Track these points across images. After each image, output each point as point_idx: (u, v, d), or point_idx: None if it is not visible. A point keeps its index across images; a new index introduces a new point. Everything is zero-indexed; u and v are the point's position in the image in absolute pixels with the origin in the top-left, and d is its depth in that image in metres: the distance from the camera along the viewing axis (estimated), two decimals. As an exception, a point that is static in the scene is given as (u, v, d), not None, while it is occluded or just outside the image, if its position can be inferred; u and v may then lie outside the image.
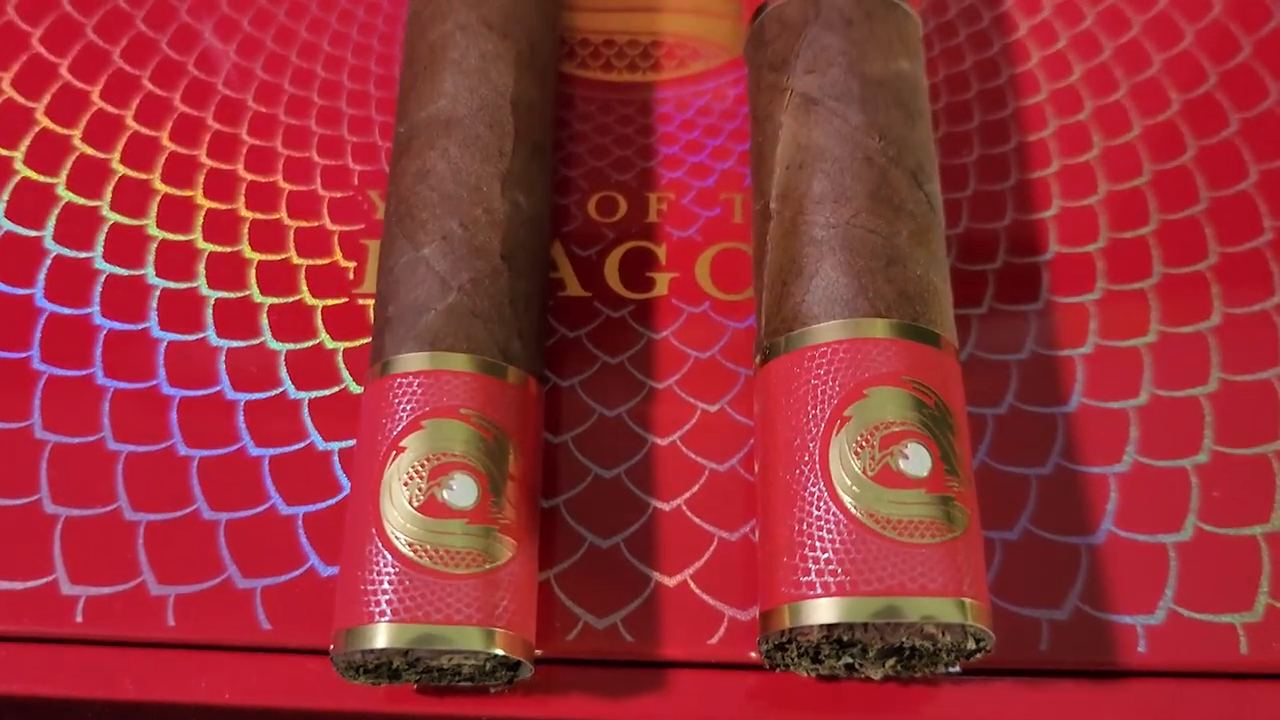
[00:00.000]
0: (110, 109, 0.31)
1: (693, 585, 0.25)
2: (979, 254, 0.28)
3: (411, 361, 0.23)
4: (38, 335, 0.28)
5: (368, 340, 0.28)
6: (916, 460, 0.22)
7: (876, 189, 0.24)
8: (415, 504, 0.22)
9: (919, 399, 0.22)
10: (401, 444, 0.23)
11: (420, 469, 0.22)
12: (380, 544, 0.22)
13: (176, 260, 0.29)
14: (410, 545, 0.22)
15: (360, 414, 0.24)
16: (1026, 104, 0.30)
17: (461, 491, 0.22)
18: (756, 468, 0.24)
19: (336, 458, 0.26)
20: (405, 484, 0.22)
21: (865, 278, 0.23)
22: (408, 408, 0.23)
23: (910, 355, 0.23)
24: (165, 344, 0.28)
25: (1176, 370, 0.27)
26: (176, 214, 0.29)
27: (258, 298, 0.28)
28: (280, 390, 0.27)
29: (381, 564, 0.22)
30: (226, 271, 0.28)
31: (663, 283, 0.28)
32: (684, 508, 0.26)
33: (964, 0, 0.32)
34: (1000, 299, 0.28)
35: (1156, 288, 0.28)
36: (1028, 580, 0.25)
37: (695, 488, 0.26)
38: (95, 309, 0.28)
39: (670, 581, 0.25)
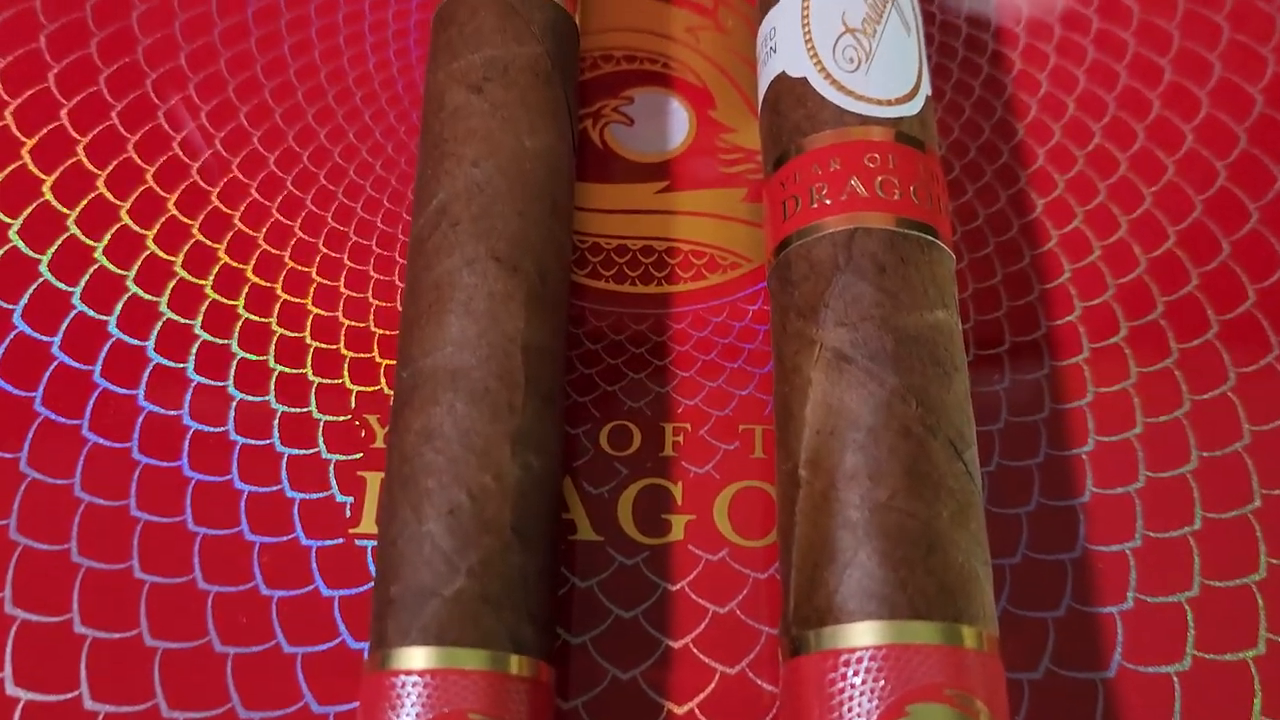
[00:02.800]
0: (91, 313, 0.29)
1: None
2: (1012, 496, 0.27)
3: (415, 657, 0.22)
4: (10, 573, 0.26)
5: (367, 588, 0.26)
6: (961, 790, 0.20)
7: (914, 464, 0.23)
8: (420, 827, 0.20)
9: (963, 714, 0.21)
10: (405, 754, 0.21)
11: (425, 785, 0.21)
12: None
13: (160, 492, 0.27)
14: None
15: (360, 707, 0.22)
16: (1058, 324, 0.29)
17: (469, 812, 0.21)
18: (784, 765, 0.22)
19: (331, 724, 0.25)
20: (408, 803, 0.21)
21: (904, 570, 0.22)
22: (412, 712, 0.21)
23: (953, 663, 0.21)
24: (147, 587, 0.26)
25: (1221, 628, 0.25)
26: (161, 438, 0.27)
27: (249, 536, 0.26)
28: (273, 644, 0.25)
29: None
30: (215, 506, 0.27)
31: (679, 526, 0.27)
32: (703, 786, 0.24)
33: (992, 207, 0.30)
34: (1034, 548, 0.26)
35: (1197, 535, 0.26)
36: None
37: (715, 764, 0.24)
38: (72, 545, 0.26)
39: None
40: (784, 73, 0.27)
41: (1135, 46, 0.32)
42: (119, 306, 0.29)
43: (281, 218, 0.30)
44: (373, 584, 0.25)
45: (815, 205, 0.25)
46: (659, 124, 0.32)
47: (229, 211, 0.30)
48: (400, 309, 0.27)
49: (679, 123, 0.32)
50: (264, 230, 0.30)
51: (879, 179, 0.25)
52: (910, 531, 0.22)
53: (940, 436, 0.23)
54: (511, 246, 0.25)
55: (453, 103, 0.27)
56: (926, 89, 0.27)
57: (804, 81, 0.27)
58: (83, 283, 0.29)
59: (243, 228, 0.30)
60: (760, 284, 0.29)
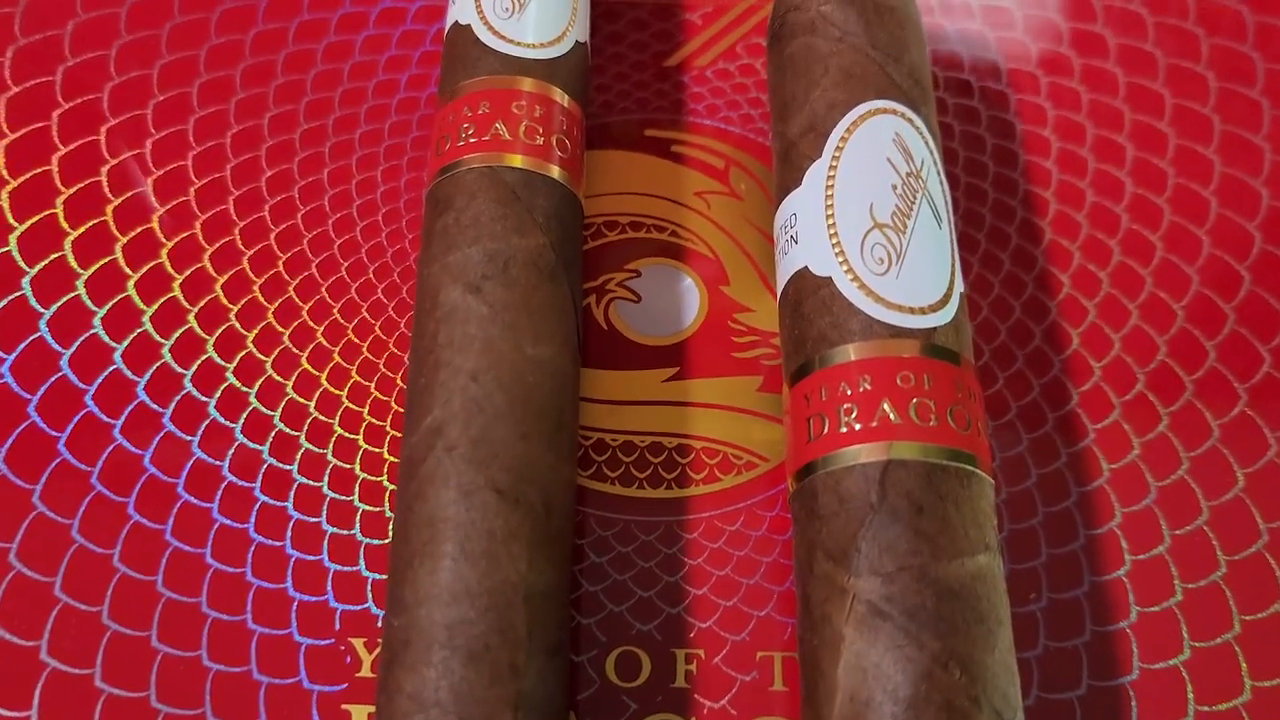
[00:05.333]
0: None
1: None
2: (1053, 735, 0.25)
3: None
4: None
5: (350, 843, 0.24)
6: None
7: (958, 744, 0.21)
8: None
9: None
10: None
11: None
12: None
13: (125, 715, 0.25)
14: None
15: None
16: (1098, 532, 0.27)
17: None
18: None
19: None
20: None
21: None
22: None
23: None
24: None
25: None
26: (124, 663, 0.25)
27: (222, 780, 0.24)
28: None
29: None
30: (185, 743, 0.24)
31: (694, 772, 0.24)
32: None
33: (1024, 398, 0.28)
34: (1079, 795, 0.24)
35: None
36: None
37: None
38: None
39: None
40: (807, 269, 0.25)
41: (1170, 215, 0.30)
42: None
43: (261, 406, 0.28)
44: None
45: (844, 430, 0.23)
46: (668, 301, 0.29)
47: (204, 399, 0.28)
48: (390, 534, 0.24)
49: (689, 300, 0.29)
50: (241, 421, 0.28)
51: (914, 401, 0.23)
52: (956, 825, 0.20)
53: (986, 708, 0.21)
54: (513, 476, 0.23)
55: (448, 302, 0.25)
56: (960, 286, 0.25)
57: (829, 283, 0.25)
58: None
59: (218, 417, 0.28)
60: (779, 486, 0.27)
